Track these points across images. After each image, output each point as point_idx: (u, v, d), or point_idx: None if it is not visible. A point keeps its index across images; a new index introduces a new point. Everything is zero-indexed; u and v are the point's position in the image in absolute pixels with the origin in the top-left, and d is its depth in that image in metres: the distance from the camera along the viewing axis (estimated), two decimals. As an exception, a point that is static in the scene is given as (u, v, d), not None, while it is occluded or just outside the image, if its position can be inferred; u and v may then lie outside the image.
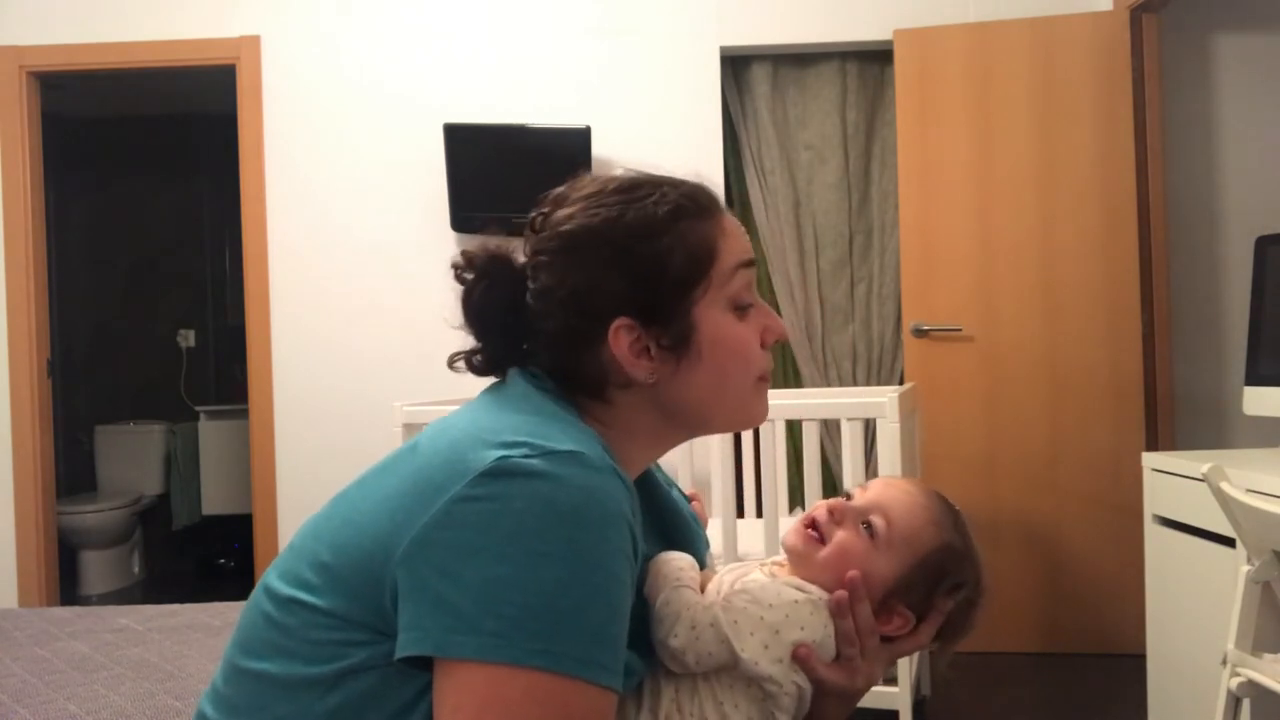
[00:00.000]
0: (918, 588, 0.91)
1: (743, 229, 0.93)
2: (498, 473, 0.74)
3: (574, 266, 0.85)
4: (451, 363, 0.93)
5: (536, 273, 0.87)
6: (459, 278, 0.90)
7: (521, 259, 0.90)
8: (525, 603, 0.70)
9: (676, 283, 0.85)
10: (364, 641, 0.76)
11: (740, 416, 0.93)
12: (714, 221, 0.89)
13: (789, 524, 0.99)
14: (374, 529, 0.77)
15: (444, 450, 0.78)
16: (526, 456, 0.74)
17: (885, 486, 0.96)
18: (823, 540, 0.92)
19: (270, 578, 0.84)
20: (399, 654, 0.73)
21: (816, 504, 0.95)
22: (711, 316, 0.87)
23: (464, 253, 0.90)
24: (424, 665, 0.74)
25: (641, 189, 0.88)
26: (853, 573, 0.88)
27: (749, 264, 0.90)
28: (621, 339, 0.85)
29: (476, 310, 0.90)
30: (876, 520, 0.91)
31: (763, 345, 0.91)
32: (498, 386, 0.90)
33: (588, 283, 0.85)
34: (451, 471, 0.75)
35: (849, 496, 0.95)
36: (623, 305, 0.85)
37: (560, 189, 0.91)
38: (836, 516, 0.92)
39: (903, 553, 0.91)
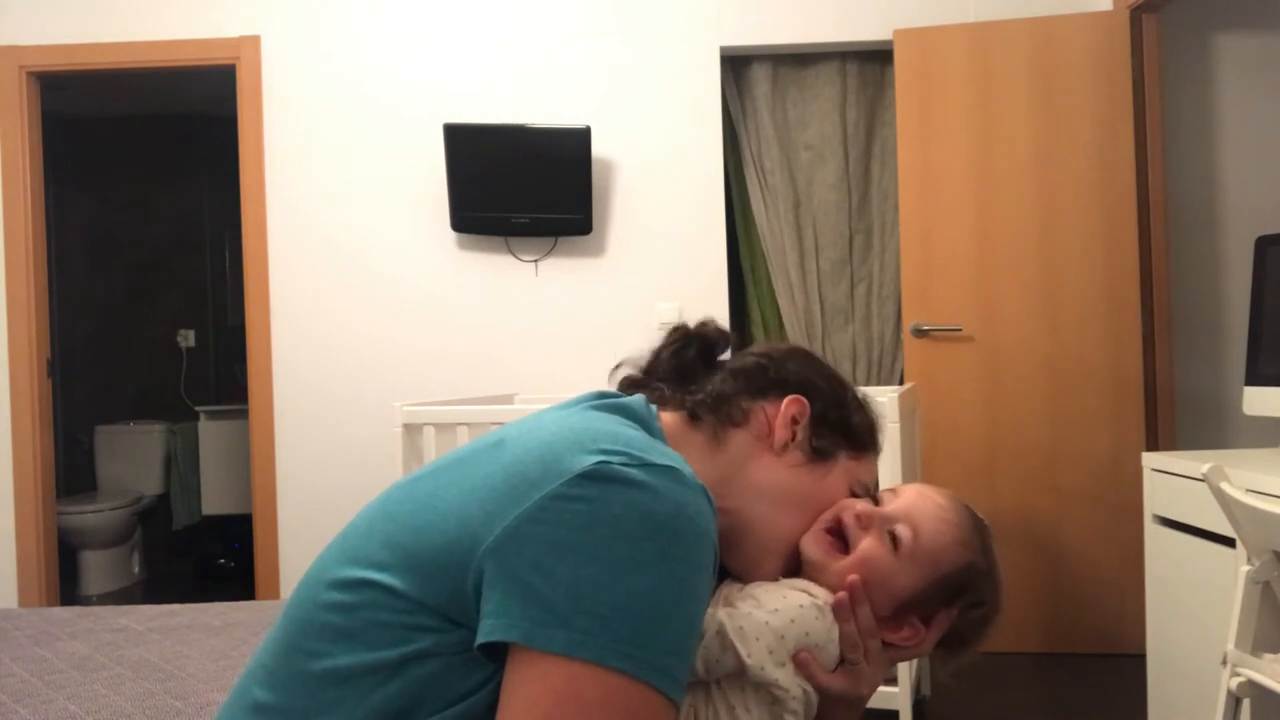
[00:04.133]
0: (932, 602, 0.90)
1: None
2: (596, 476, 0.74)
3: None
4: (624, 386, 1.00)
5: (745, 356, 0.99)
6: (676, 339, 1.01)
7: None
8: (616, 605, 0.70)
9: (850, 427, 0.96)
10: (432, 628, 0.75)
11: (752, 554, 0.93)
12: (873, 457, 0.99)
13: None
14: (460, 515, 0.76)
15: (538, 448, 0.78)
16: (625, 465, 0.75)
17: (917, 496, 0.93)
18: (844, 543, 0.90)
19: (325, 573, 0.82)
20: (481, 640, 0.73)
21: (843, 503, 0.93)
22: (840, 473, 0.94)
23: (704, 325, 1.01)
24: (491, 657, 0.73)
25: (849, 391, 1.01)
26: (852, 577, 0.87)
27: (856, 494, 0.95)
28: (790, 407, 0.93)
29: (678, 365, 0.99)
30: (902, 530, 0.89)
31: (827, 528, 0.92)
32: (594, 395, 0.92)
33: (798, 380, 0.96)
34: (547, 470, 0.75)
35: (877, 500, 0.93)
36: (810, 397, 0.94)
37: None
38: (864, 522, 0.90)
39: (925, 568, 0.89)
